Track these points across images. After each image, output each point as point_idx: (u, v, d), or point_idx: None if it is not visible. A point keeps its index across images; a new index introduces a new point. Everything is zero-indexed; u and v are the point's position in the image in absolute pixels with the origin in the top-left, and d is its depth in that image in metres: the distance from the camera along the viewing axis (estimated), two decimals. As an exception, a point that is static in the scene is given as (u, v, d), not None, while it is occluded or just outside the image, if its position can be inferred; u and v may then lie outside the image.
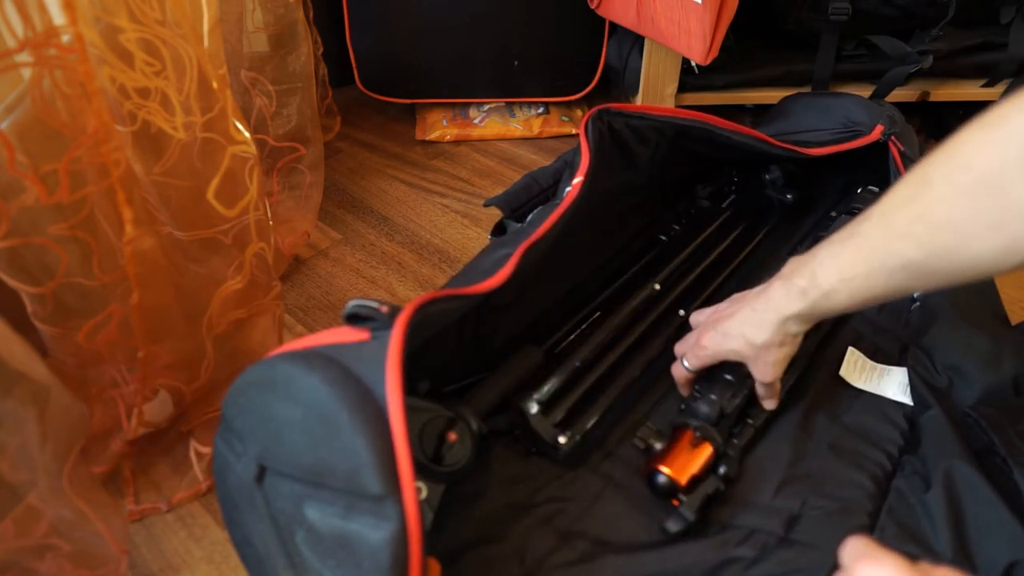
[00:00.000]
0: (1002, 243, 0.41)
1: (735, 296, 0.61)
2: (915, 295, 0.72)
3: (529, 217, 0.68)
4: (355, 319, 0.49)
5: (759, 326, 0.55)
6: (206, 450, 0.64)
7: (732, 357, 0.58)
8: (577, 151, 0.68)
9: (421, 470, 0.51)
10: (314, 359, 0.46)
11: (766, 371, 0.57)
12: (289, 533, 0.45)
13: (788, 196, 0.85)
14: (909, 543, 0.54)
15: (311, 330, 0.79)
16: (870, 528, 0.55)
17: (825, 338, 0.71)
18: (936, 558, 0.53)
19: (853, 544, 0.37)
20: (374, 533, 0.42)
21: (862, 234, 0.48)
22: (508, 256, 0.58)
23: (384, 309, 0.47)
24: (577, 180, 0.65)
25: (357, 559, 0.42)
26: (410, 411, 0.52)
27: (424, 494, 0.50)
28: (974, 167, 0.41)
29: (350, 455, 0.42)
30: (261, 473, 0.47)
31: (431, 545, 0.46)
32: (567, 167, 0.72)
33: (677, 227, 0.80)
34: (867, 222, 0.48)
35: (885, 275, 0.47)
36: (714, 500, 0.55)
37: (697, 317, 0.63)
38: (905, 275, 0.46)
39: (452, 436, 0.53)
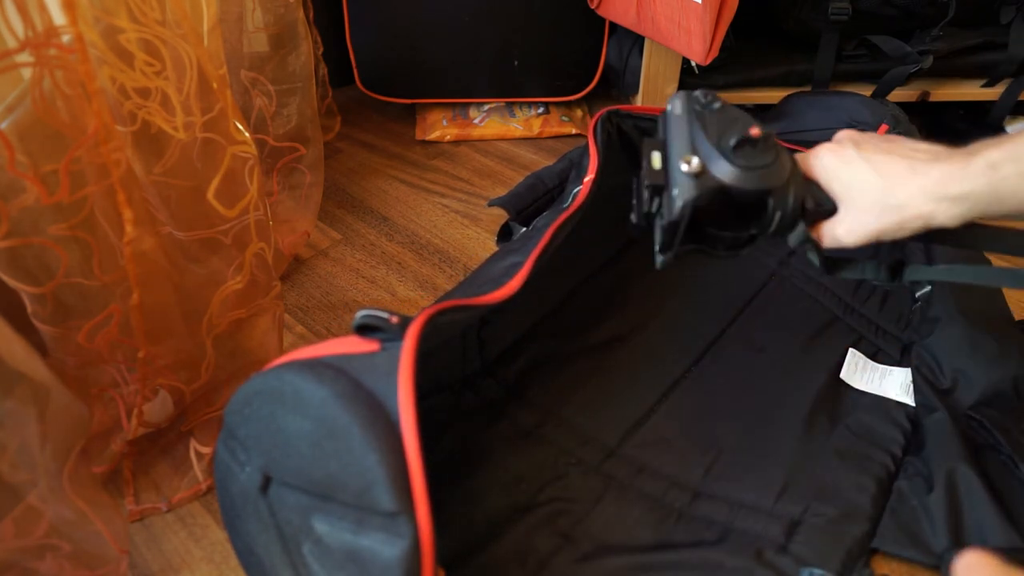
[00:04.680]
0: None
1: (893, 136, 0.51)
2: (916, 295, 0.72)
3: (535, 223, 0.67)
4: (364, 330, 0.48)
5: (906, 186, 0.46)
6: (206, 450, 0.64)
7: (838, 190, 0.49)
8: (584, 152, 0.68)
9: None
10: (323, 370, 0.45)
11: (851, 231, 0.48)
12: (295, 544, 0.45)
13: None
14: (909, 546, 0.54)
15: (311, 330, 0.79)
16: (871, 534, 0.55)
17: (825, 340, 0.71)
18: (935, 560, 0.53)
19: (967, 558, 0.34)
20: (387, 550, 0.41)
21: None
22: (519, 265, 0.58)
23: (394, 320, 0.46)
24: (588, 179, 0.64)
25: (368, 575, 0.42)
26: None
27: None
28: None
29: (362, 471, 0.41)
30: (266, 483, 0.46)
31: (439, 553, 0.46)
32: (573, 167, 0.72)
33: None
34: None
35: None
36: None
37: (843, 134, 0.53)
38: None
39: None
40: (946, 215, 0.45)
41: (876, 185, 0.47)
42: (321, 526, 0.43)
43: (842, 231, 0.49)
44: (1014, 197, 0.43)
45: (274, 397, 0.46)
